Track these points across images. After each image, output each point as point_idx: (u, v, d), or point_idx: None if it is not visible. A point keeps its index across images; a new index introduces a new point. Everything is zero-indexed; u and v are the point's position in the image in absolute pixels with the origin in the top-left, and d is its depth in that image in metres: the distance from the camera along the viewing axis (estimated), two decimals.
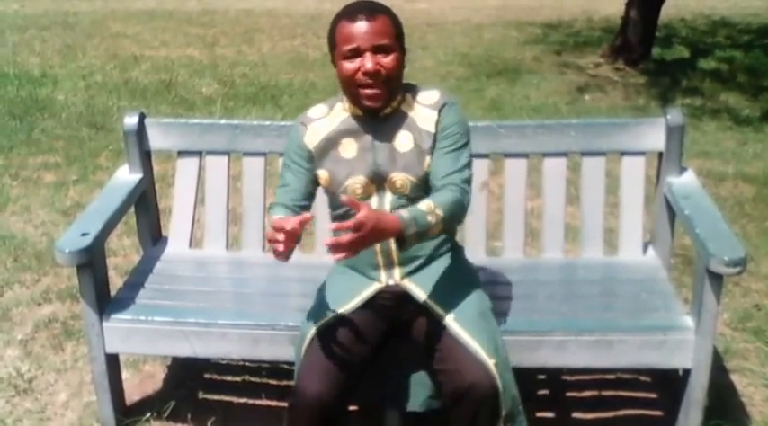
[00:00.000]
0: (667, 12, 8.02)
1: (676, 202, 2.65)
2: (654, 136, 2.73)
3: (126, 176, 2.91)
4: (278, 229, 1.92)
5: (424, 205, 2.08)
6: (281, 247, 1.93)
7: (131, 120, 2.84)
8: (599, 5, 10.75)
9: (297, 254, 2.88)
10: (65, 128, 5.81)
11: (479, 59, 7.93)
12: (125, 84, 7.00)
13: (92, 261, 2.46)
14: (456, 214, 2.15)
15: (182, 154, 2.92)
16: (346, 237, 1.88)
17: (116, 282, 3.06)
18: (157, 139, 2.89)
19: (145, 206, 2.97)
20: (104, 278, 2.60)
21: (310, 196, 2.32)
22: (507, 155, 2.81)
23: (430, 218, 2.06)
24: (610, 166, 2.82)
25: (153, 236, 3.03)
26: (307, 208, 2.29)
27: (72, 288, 3.55)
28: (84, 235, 2.49)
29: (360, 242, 1.91)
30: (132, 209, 2.93)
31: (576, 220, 3.17)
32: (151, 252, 2.97)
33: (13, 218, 4.34)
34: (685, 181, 2.74)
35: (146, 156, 2.91)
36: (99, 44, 8.66)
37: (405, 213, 2.03)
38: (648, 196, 2.85)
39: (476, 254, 2.74)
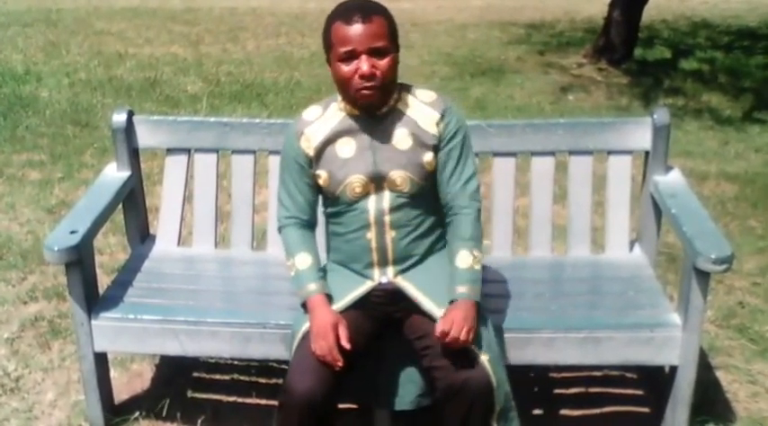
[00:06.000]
0: (649, 13, 8.07)
1: (663, 201, 2.67)
2: (640, 135, 2.76)
3: (114, 174, 2.89)
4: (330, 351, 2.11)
5: (467, 258, 2.20)
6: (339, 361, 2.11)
7: (120, 118, 2.83)
8: (581, 6, 10.81)
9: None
10: (49, 126, 5.77)
11: (463, 59, 7.96)
12: (109, 82, 6.96)
13: (81, 260, 2.45)
14: (481, 231, 2.28)
15: (170, 151, 2.91)
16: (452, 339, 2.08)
17: (102, 281, 3.04)
18: (146, 137, 2.88)
19: (133, 204, 2.96)
20: (93, 276, 2.59)
21: (316, 202, 2.35)
22: (496, 154, 2.82)
23: (478, 266, 2.21)
24: (595, 165, 2.84)
25: (141, 234, 3.02)
26: (315, 218, 2.37)
27: (58, 286, 3.53)
28: (72, 232, 2.48)
29: (459, 336, 2.09)
30: (118, 207, 2.92)
31: (562, 219, 3.19)
32: (139, 251, 2.96)
33: None
34: (671, 180, 2.76)
35: (134, 154, 2.90)
36: (83, 41, 8.60)
37: (465, 289, 2.16)
38: (633, 195, 2.88)
39: None
